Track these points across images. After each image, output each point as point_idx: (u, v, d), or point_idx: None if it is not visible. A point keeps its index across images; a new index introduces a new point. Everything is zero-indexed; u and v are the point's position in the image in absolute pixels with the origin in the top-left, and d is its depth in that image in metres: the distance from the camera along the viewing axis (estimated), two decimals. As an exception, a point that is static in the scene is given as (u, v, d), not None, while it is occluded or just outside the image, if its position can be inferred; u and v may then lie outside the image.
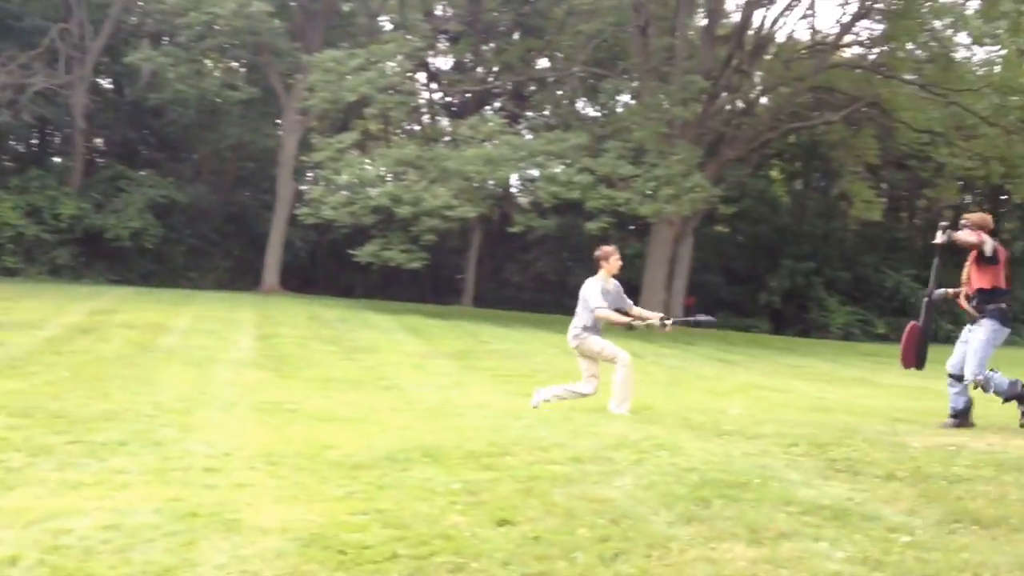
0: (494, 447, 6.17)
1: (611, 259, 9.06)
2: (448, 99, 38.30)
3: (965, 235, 7.77)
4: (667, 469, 5.39)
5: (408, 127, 38.85)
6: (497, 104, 37.17)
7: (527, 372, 13.93)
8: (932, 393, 13.84)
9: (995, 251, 7.76)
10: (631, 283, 34.04)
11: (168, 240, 32.65)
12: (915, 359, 8.41)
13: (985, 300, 7.82)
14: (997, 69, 29.35)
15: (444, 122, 37.10)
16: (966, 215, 8.20)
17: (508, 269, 38.80)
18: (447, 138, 30.12)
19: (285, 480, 5.25)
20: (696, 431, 7.13)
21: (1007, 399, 7.77)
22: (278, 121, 33.97)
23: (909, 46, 29.05)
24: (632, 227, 37.86)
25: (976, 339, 7.78)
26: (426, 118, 38.24)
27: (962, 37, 29.95)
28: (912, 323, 8.50)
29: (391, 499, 4.70)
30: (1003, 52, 30.31)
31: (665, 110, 25.76)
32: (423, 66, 35.21)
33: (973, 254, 7.89)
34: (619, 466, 5.51)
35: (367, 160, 27.25)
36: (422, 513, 4.41)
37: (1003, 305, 7.86)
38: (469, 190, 24.86)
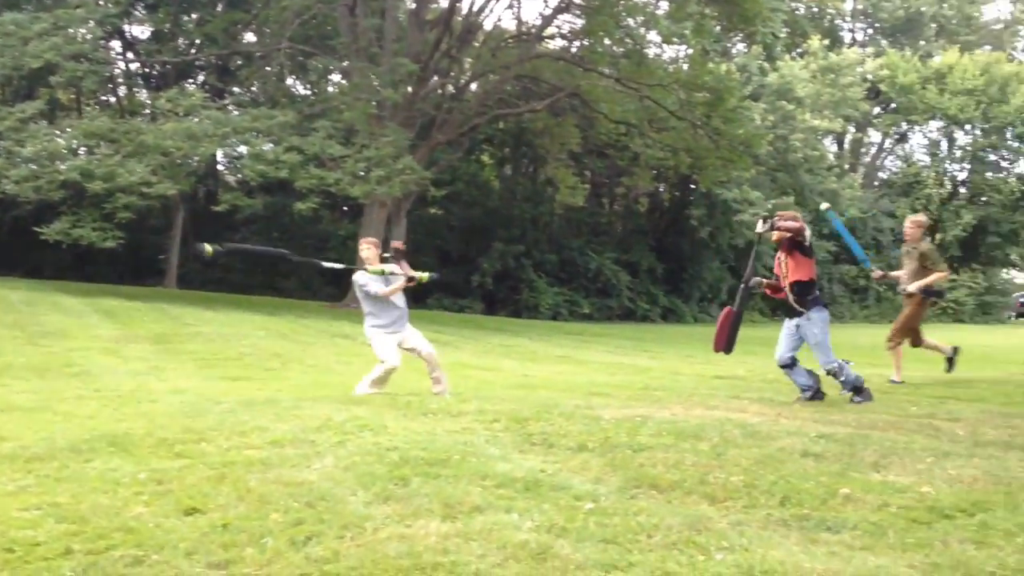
0: (189, 433, 5.92)
1: (361, 251, 9.23)
2: (147, 70, 36.26)
3: (788, 223, 8.08)
4: (369, 449, 5.36)
5: (103, 98, 36.45)
6: (200, 78, 35.62)
7: (233, 355, 13.47)
8: (628, 368, 14.75)
9: (811, 242, 8.31)
10: (343, 264, 34.03)
11: None
12: (725, 343, 8.70)
13: (806, 291, 8.25)
14: (684, 67, 31.63)
15: (143, 94, 35.13)
16: (780, 212, 8.58)
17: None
18: (146, 111, 28.53)
19: (-51, 477, 4.78)
20: (401, 411, 7.16)
21: (851, 389, 8.30)
22: (-48, 87, 30.83)
23: (606, 41, 30.63)
24: (345, 208, 37.61)
25: (813, 333, 8.23)
26: (122, 90, 36.02)
27: (653, 35, 32.08)
28: (727, 308, 8.81)
29: (69, 492, 4.38)
30: (689, 51, 32.74)
31: (375, 91, 25.70)
32: (118, 34, 33.07)
33: (787, 248, 8.26)
34: (320, 448, 5.42)
35: (56, 131, 25.27)
36: (103, 505, 4.14)
37: (818, 293, 8.37)
38: (169, 166, 23.68)
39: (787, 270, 8.29)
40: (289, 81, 34.57)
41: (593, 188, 44.61)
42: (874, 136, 57.78)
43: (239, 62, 34.34)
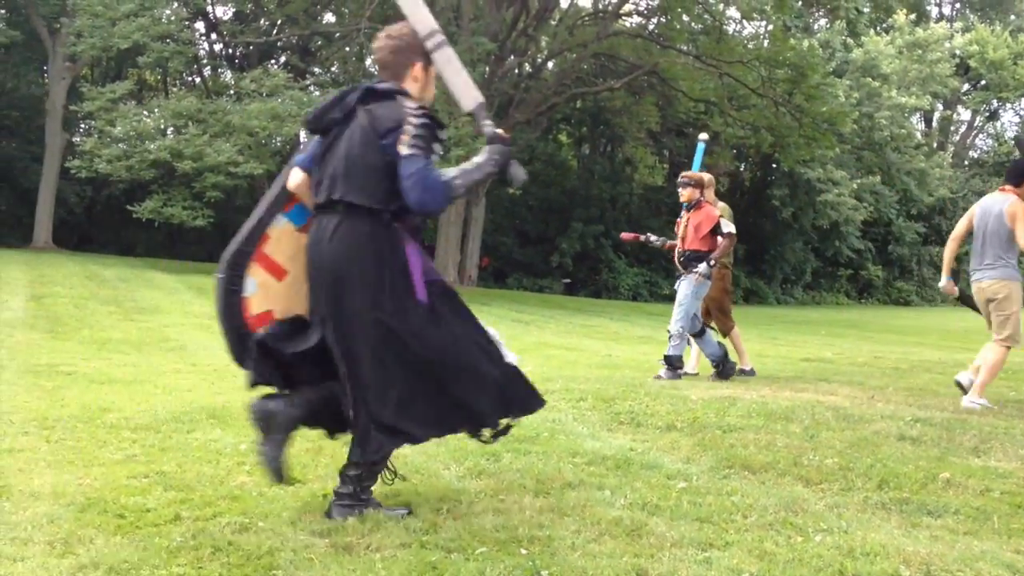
0: (284, 407, 6.05)
1: None
2: (230, 51, 36.89)
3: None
4: (459, 425, 5.44)
5: (188, 78, 37.22)
6: (282, 58, 36.12)
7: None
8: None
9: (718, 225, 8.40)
10: (424, 243, 34.38)
11: (-77, 194, 30.10)
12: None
13: (696, 258, 8.36)
14: (765, 43, 31.06)
15: (227, 75, 35.75)
16: (687, 174, 8.75)
17: (300, 228, 37.90)
18: (231, 92, 29.04)
19: (60, 444, 4.98)
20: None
21: (668, 356, 8.40)
22: (44, 68, 31.72)
23: (684, 18, 30.20)
24: (424, 187, 37.79)
25: (687, 293, 8.34)
26: (207, 70, 36.71)
27: (732, 11, 31.54)
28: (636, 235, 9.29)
29: (174, 461, 4.54)
30: (770, 27, 32.12)
31: (454, 71, 25.74)
32: (201, 15, 33.67)
33: (699, 217, 8.44)
34: (411, 424, 5.51)
35: (145, 112, 25.91)
36: (207, 474, 4.28)
37: (709, 262, 8.38)
38: (255, 146, 24.10)
39: (688, 235, 8.42)
40: (368, 62, 34.85)
41: (672, 168, 44.08)
42: (963, 114, 56.13)
43: (319, 42, 34.74)
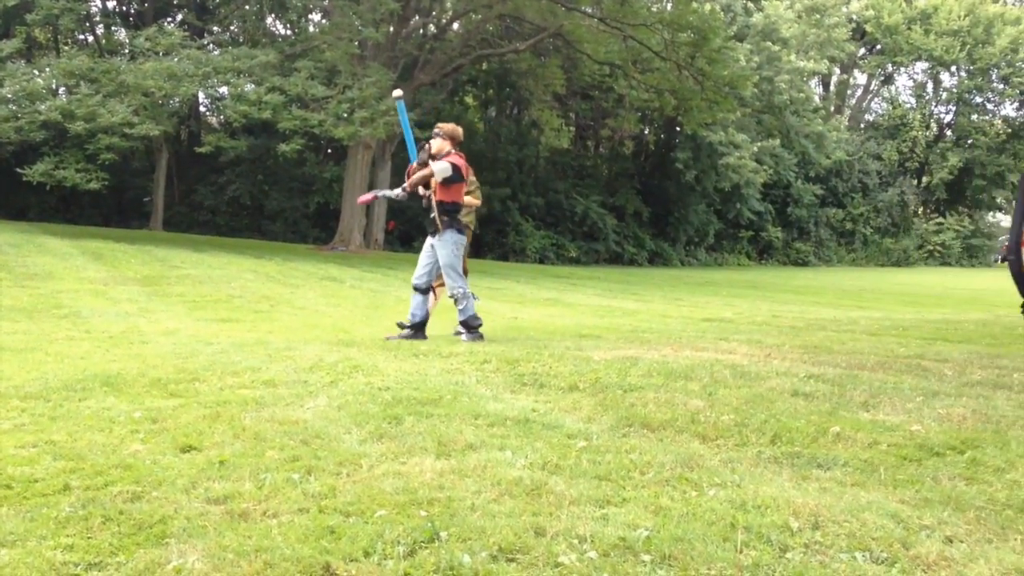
0: (182, 374, 5.95)
1: None
2: (124, 8, 35.64)
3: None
4: (361, 389, 5.41)
5: (80, 36, 35.89)
6: (179, 16, 35.04)
7: (222, 297, 13.45)
8: (617, 311, 14.80)
9: (457, 171, 8.14)
10: (330, 207, 33.91)
11: None
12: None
13: (447, 212, 8.21)
14: (668, 6, 31.25)
15: (121, 33, 34.61)
16: (440, 124, 8.50)
17: (200, 192, 37.05)
18: (125, 51, 28.09)
19: (-57, 417, 4.79)
20: (393, 352, 7.19)
21: (463, 321, 8.31)
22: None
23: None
24: (329, 151, 37.32)
25: (445, 254, 8.22)
26: (100, 28, 35.43)
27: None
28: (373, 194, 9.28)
29: (65, 430, 4.41)
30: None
31: (356, 31, 25.35)
32: (95, -29, 32.48)
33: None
34: (313, 388, 5.47)
35: (35, 70, 24.89)
36: (99, 443, 4.17)
37: (460, 218, 8.36)
38: (151, 106, 23.39)
39: (435, 187, 8.22)
40: (269, 20, 34.06)
41: (578, 131, 44.37)
42: (859, 78, 57.62)
43: (217, 0, 33.81)
